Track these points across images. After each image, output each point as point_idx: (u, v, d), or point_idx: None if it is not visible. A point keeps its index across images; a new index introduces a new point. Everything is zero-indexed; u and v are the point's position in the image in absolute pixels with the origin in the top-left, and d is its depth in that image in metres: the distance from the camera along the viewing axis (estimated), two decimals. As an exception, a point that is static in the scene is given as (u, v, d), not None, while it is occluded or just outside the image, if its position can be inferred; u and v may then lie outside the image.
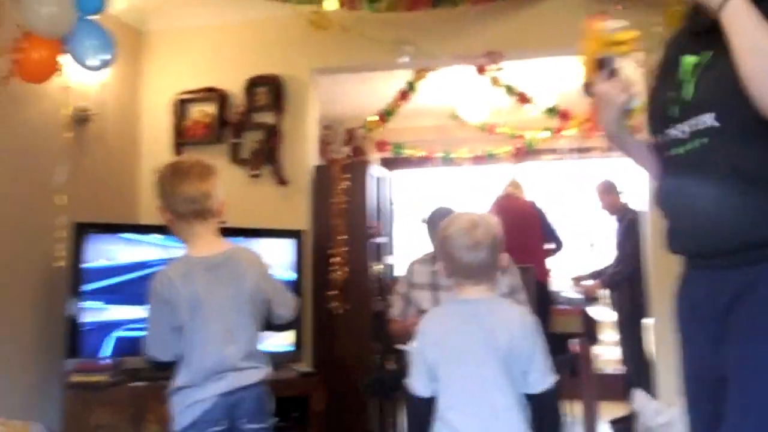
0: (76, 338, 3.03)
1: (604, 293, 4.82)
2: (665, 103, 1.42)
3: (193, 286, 1.91)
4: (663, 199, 1.46)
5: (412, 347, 1.86)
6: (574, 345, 4.58)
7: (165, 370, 1.97)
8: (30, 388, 3.16)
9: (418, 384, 1.77)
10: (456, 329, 1.75)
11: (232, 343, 1.92)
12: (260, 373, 1.97)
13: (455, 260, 1.79)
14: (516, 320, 1.76)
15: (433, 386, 1.75)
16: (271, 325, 2.09)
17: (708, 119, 1.30)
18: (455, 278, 1.82)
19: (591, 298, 4.60)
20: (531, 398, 1.73)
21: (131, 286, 3.13)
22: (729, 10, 1.24)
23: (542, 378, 1.73)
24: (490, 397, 1.68)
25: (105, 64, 3.23)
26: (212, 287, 1.93)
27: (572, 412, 4.76)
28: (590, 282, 4.76)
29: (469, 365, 1.71)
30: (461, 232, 1.78)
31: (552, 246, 4.74)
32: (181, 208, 1.93)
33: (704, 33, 1.34)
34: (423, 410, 1.75)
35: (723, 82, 1.27)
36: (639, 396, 3.23)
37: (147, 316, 1.96)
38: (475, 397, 1.69)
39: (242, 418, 1.92)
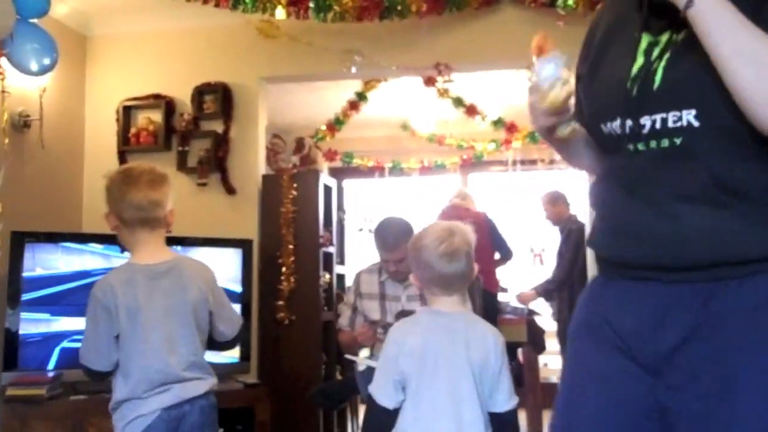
0: (14, 350, 2.93)
1: (543, 303, 4.92)
2: (619, 88, 1.14)
3: (133, 293, 1.87)
4: (606, 198, 1.21)
5: (384, 351, 1.81)
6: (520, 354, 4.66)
7: (100, 380, 1.92)
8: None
9: (383, 395, 1.73)
10: (434, 342, 1.72)
11: (172, 353, 1.87)
12: (205, 384, 1.93)
13: (431, 270, 1.75)
14: (490, 339, 1.76)
15: (397, 398, 1.72)
16: (213, 343, 2.05)
17: (685, 116, 1.05)
18: (429, 289, 1.79)
19: (530, 309, 4.68)
20: (494, 417, 1.73)
21: (71, 297, 3.05)
22: (700, 5, 1.00)
23: (508, 398, 1.75)
24: (459, 411, 1.67)
25: (46, 68, 3.16)
26: (153, 296, 1.89)
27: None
28: (526, 291, 4.83)
29: (444, 379, 1.68)
30: (438, 241, 1.75)
31: (501, 257, 4.81)
32: (127, 214, 1.90)
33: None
34: (386, 422, 1.71)
35: (706, 72, 1.02)
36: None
37: (85, 324, 1.90)
38: (445, 411, 1.67)
39: (188, 431, 1.87)
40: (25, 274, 2.97)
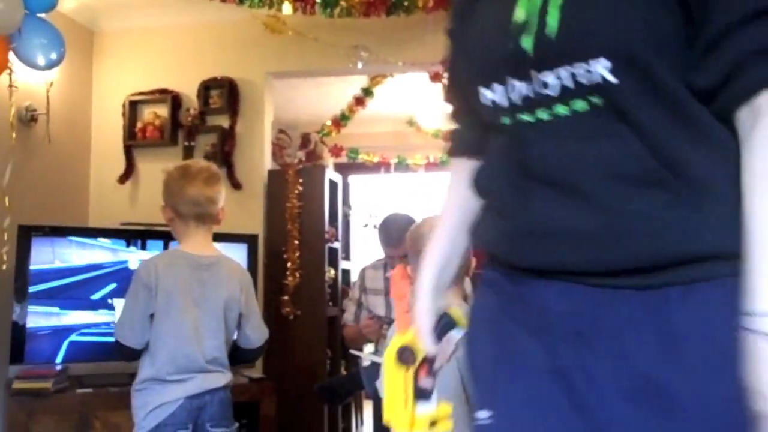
0: (21, 343, 2.94)
1: None
2: (501, 38, 0.85)
3: (174, 277, 1.94)
4: (501, 187, 0.91)
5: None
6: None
7: (130, 359, 1.97)
8: (-30, 395, 3.06)
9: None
10: None
11: (198, 342, 1.94)
12: (225, 377, 2.01)
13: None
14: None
15: None
16: (236, 355, 2.10)
17: (597, 70, 0.78)
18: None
19: None
20: None
21: (78, 290, 3.06)
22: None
23: None
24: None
25: (53, 63, 3.17)
26: (192, 284, 1.97)
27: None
28: None
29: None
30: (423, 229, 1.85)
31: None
32: (183, 209, 1.99)
33: None
34: None
35: (622, 11, 0.77)
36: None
37: (124, 302, 1.97)
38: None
39: (207, 421, 1.94)
40: (32, 267, 2.99)
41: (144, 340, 1.94)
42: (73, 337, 3.04)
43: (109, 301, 3.09)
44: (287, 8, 3.19)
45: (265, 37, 3.72)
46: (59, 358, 3.01)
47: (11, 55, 2.99)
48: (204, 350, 1.95)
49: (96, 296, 3.09)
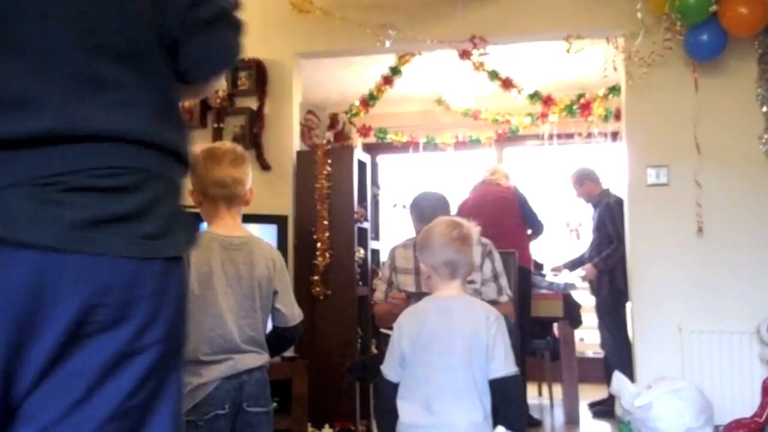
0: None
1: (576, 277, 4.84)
2: None
3: (206, 258, 1.95)
4: None
5: (391, 334, 2.00)
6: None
7: None
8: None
9: (390, 370, 1.96)
10: (429, 324, 1.93)
11: (234, 322, 1.96)
12: (261, 358, 2.01)
13: (441, 255, 1.96)
14: (481, 314, 1.93)
15: (401, 373, 1.94)
16: (272, 340, 2.10)
17: None
18: (436, 273, 1.98)
19: (566, 284, 4.62)
20: (493, 384, 1.88)
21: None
22: None
23: (503, 366, 1.88)
24: (447, 378, 1.85)
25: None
26: (225, 265, 1.98)
27: (552, 394, 4.83)
28: (588, 267, 4.72)
29: (436, 353, 1.88)
30: (448, 229, 1.97)
31: (532, 231, 4.75)
32: (211, 191, 1.99)
33: None
34: (392, 393, 1.93)
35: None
36: (617, 379, 3.28)
37: None
38: (432, 379, 1.86)
39: (245, 401, 1.95)
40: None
41: None
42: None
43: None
44: (314, -12, 3.18)
45: (292, 18, 3.72)
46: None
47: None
48: (240, 330, 1.95)
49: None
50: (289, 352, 3.43)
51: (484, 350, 1.87)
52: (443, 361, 1.86)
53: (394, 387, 1.93)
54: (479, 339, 1.87)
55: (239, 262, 2.00)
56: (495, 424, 1.85)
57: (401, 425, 1.87)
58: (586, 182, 4.75)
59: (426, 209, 2.78)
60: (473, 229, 2.02)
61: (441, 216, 2.24)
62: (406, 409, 1.87)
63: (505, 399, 1.88)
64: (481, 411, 1.83)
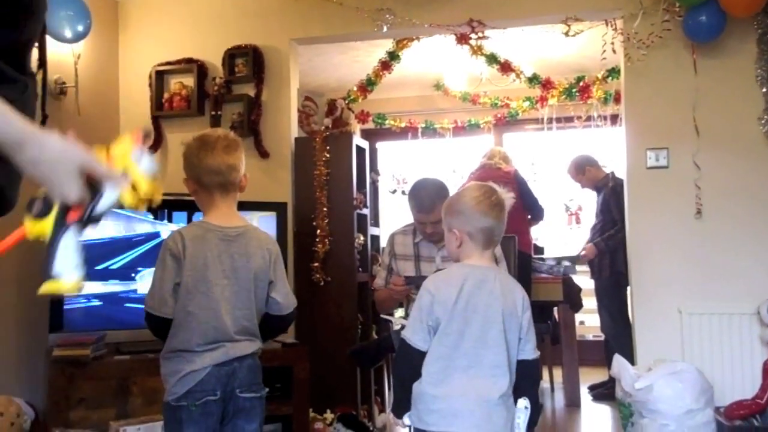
0: (59, 312, 3.02)
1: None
2: None
3: (202, 249, 1.95)
4: None
5: (419, 301, 1.90)
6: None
7: (161, 330, 1.97)
8: (14, 363, 3.15)
9: (419, 338, 1.85)
10: (466, 291, 1.83)
11: (229, 313, 1.95)
12: (253, 345, 2.02)
13: (479, 221, 1.87)
14: (518, 292, 1.91)
15: (431, 341, 1.85)
16: (266, 325, 2.10)
17: None
18: (472, 239, 1.89)
19: (566, 267, 4.61)
20: (521, 363, 1.88)
21: (114, 261, 3.12)
22: None
23: (533, 350, 1.90)
24: (482, 354, 1.81)
25: (80, 35, 3.18)
26: (222, 256, 1.97)
27: (553, 378, 4.85)
28: (588, 246, 4.70)
29: (476, 325, 1.82)
30: (484, 195, 1.89)
31: (531, 216, 4.74)
32: (206, 179, 1.98)
33: None
34: (419, 363, 1.84)
35: None
36: (617, 362, 3.29)
37: (153, 273, 1.98)
38: (466, 352, 1.81)
39: (236, 387, 1.96)
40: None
41: (172, 308, 1.94)
42: (110, 305, 3.11)
43: (141, 270, 3.14)
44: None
45: (289, 3, 3.70)
46: (94, 326, 3.08)
47: (38, 29, 3.00)
48: (234, 321, 1.96)
49: (130, 266, 3.14)
50: (290, 338, 3.44)
51: (518, 329, 1.86)
52: (482, 334, 1.81)
53: (421, 355, 1.84)
54: (515, 317, 1.86)
55: (236, 254, 1.99)
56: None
57: (426, 396, 1.81)
58: (587, 168, 4.73)
59: (425, 198, 2.77)
60: (505, 195, 1.94)
61: (440, 203, 2.17)
62: (435, 378, 1.81)
63: (530, 379, 1.91)
64: (509, 385, 1.83)
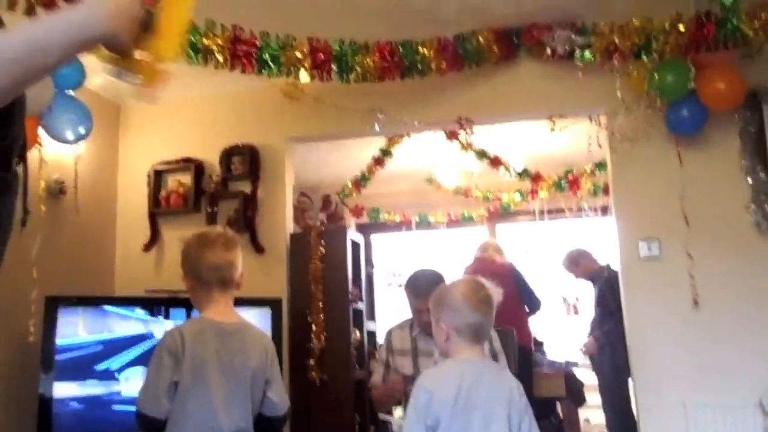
0: (48, 415, 2.94)
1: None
2: None
3: (201, 346, 1.92)
4: None
5: (414, 400, 1.86)
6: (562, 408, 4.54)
7: (151, 431, 1.91)
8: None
9: None
10: (465, 388, 1.81)
11: (226, 412, 1.91)
12: None
13: (467, 317, 1.88)
14: (514, 382, 1.91)
15: None
16: (260, 425, 2.06)
17: None
18: (461, 336, 1.89)
19: (567, 362, 4.56)
20: None
21: (105, 362, 3.07)
22: None
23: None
24: None
25: (81, 137, 3.27)
26: (220, 353, 1.94)
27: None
28: (587, 341, 4.66)
29: (477, 421, 1.79)
30: (472, 291, 1.91)
31: (529, 309, 4.72)
32: (206, 275, 1.99)
33: None
34: None
35: None
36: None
37: (147, 371, 1.94)
38: None
39: None
40: (58, 339, 3.00)
41: (167, 409, 1.88)
42: (99, 408, 3.03)
43: (133, 370, 3.08)
44: (304, 76, 3.27)
45: (284, 104, 3.81)
46: (86, 430, 2.99)
47: (41, 131, 3.08)
48: (230, 421, 1.91)
49: (122, 367, 3.09)
50: (285, 440, 3.34)
51: (518, 419, 1.84)
52: (486, 430, 1.79)
53: None
54: (515, 406, 1.84)
55: (234, 351, 1.97)
56: None
57: None
58: (582, 261, 4.77)
59: (422, 285, 2.77)
60: (494, 290, 1.95)
61: None
62: None
63: None
64: None
